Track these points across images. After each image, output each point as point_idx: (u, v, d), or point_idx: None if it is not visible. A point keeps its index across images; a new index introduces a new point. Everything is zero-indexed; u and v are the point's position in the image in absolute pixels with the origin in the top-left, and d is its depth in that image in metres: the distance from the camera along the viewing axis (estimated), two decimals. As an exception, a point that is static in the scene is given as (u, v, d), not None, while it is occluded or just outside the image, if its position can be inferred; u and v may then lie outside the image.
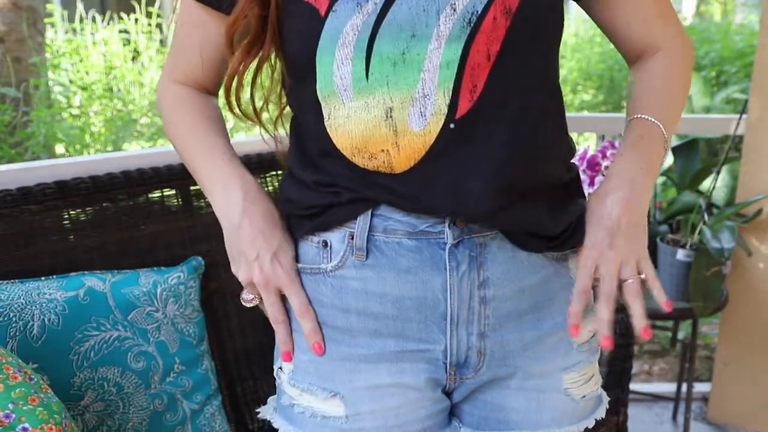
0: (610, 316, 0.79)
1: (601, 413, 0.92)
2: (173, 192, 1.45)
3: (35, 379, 0.98)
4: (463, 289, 0.80)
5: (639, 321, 0.78)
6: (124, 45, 4.75)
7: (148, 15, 5.00)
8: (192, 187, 1.47)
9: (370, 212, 0.78)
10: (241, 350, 1.52)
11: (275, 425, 0.90)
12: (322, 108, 0.77)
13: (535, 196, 0.79)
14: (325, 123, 0.77)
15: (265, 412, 0.92)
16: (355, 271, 0.80)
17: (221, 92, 0.87)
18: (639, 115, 0.84)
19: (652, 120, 0.84)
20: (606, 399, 0.94)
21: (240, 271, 0.84)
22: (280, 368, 0.92)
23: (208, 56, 0.86)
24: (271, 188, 1.58)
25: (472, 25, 0.71)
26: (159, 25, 5.17)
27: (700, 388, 2.44)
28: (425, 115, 0.73)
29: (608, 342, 0.79)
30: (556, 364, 0.86)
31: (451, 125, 0.73)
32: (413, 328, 0.81)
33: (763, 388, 2.20)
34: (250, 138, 1.68)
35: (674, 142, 2.20)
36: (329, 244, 0.81)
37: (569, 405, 0.87)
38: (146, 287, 1.29)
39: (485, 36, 0.71)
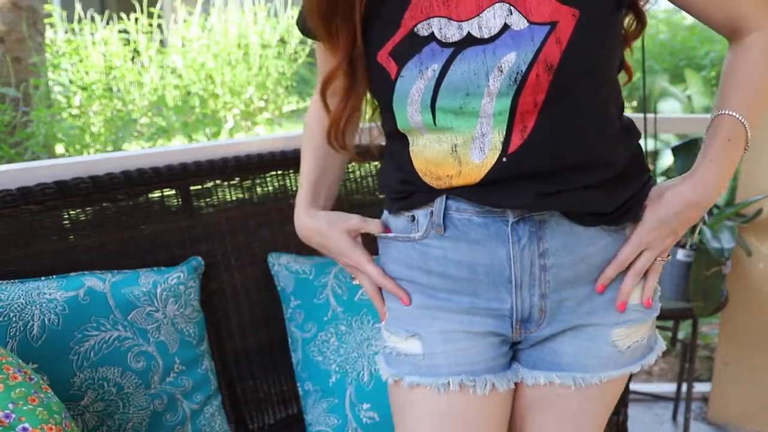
0: (631, 288, 0.96)
1: (648, 360, 1.03)
2: (173, 192, 1.45)
3: (35, 379, 0.98)
4: (525, 259, 0.93)
5: (648, 292, 0.97)
6: (124, 45, 4.75)
7: (149, 15, 5.00)
8: (192, 187, 1.48)
9: (444, 196, 0.93)
10: (241, 350, 1.52)
11: (379, 366, 1.06)
12: (408, 137, 0.95)
13: (585, 189, 0.90)
14: (410, 148, 0.95)
15: (377, 359, 1.08)
16: (436, 241, 0.95)
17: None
18: (728, 112, 0.90)
19: (740, 120, 0.90)
20: (660, 348, 1.04)
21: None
22: (383, 323, 1.07)
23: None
24: (270, 188, 1.58)
25: (517, 82, 0.83)
26: (159, 25, 5.16)
27: (700, 388, 2.44)
28: (484, 150, 0.88)
29: (622, 307, 0.96)
30: (608, 319, 0.97)
31: (504, 159, 0.87)
32: (484, 289, 0.95)
33: (763, 388, 2.20)
34: (250, 138, 1.68)
35: (674, 142, 2.20)
36: (416, 219, 0.97)
37: (615, 354, 0.99)
38: (146, 287, 1.28)
39: (530, 89, 0.84)
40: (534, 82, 0.83)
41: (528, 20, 0.82)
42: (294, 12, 5.63)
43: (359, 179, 1.69)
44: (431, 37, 0.85)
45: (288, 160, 1.60)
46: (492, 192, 0.90)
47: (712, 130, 0.92)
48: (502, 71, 0.83)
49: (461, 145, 0.88)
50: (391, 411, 1.06)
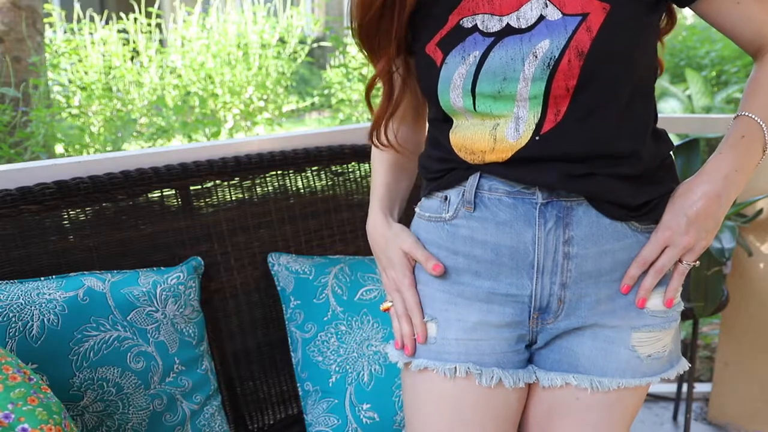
0: (651, 286, 0.97)
1: (668, 375, 1.03)
2: (173, 192, 1.45)
3: (35, 380, 0.98)
4: (549, 243, 0.95)
5: (671, 293, 0.98)
6: (124, 45, 4.75)
7: (148, 15, 5.00)
8: (191, 187, 1.47)
9: (479, 174, 0.97)
10: (240, 350, 1.52)
11: (388, 352, 1.09)
12: (453, 120, 1.00)
13: (612, 177, 0.93)
14: (451, 129, 0.99)
15: (385, 345, 1.13)
16: (465, 221, 0.99)
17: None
18: (744, 113, 0.94)
19: (757, 120, 0.93)
20: (681, 367, 1.04)
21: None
22: (385, 303, 1.11)
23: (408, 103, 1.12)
24: (270, 188, 1.58)
25: (551, 67, 0.89)
26: (159, 25, 5.16)
27: (700, 388, 2.44)
28: (519, 131, 0.92)
29: (642, 304, 0.97)
30: (627, 321, 0.98)
31: (536, 137, 0.92)
32: (506, 272, 0.98)
33: (764, 388, 2.20)
34: (250, 138, 1.67)
35: (674, 142, 2.19)
36: (448, 199, 1.01)
37: (634, 360, 0.99)
38: (146, 287, 1.28)
39: (562, 75, 0.88)
40: (566, 68, 0.88)
41: (562, 12, 0.89)
42: (294, 12, 5.63)
43: (359, 179, 1.69)
44: (474, 28, 0.93)
45: (288, 160, 1.59)
46: (521, 168, 0.93)
47: (729, 129, 0.95)
48: (536, 57, 0.89)
49: (501, 125, 0.93)
50: (402, 394, 1.10)
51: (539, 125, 0.92)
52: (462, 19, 0.94)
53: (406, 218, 1.14)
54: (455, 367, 1.00)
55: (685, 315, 1.91)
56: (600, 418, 1.01)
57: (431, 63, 0.96)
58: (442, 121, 1.02)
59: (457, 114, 0.98)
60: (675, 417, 2.34)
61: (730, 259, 1.83)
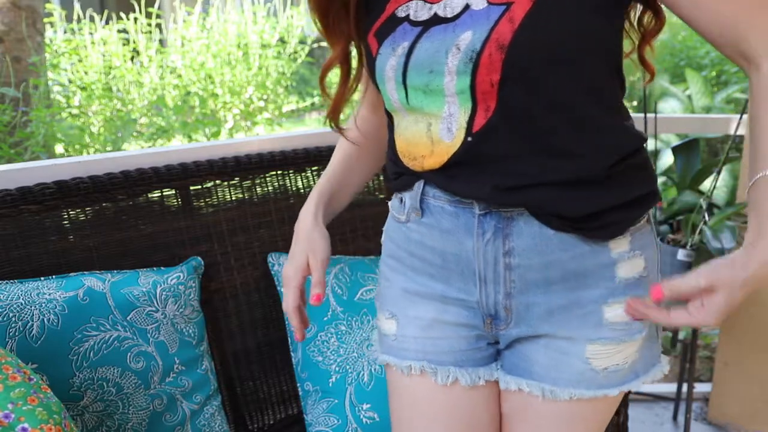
0: (654, 320, 0.86)
1: (631, 386, 0.97)
2: (173, 192, 1.45)
3: (35, 380, 0.98)
4: (489, 254, 0.92)
5: (637, 313, 0.86)
6: (124, 45, 4.74)
7: (148, 15, 5.00)
8: (191, 187, 1.47)
9: (423, 181, 0.96)
10: (240, 350, 1.52)
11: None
12: (394, 118, 0.98)
13: (548, 186, 0.87)
14: (395, 130, 0.97)
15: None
16: (416, 225, 0.98)
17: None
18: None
19: None
20: (651, 377, 0.98)
21: None
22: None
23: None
24: (270, 188, 1.58)
25: (473, 61, 0.83)
26: (159, 25, 5.16)
27: (700, 388, 2.44)
28: (452, 130, 0.88)
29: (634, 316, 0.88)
30: (582, 333, 0.93)
31: (469, 138, 0.87)
32: (455, 278, 0.96)
33: (764, 388, 2.20)
34: (250, 138, 1.67)
35: (674, 142, 2.20)
36: (404, 201, 1.00)
37: (588, 373, 0.94)
38: (146, 287, 1.28)
39: (485, 69, 0.83)
40: (488, 61, 0.83)
41: (487, 0, 0.84)
42: (294, 12, 5.63)
43: (359, 179, 1.69)
44: (406, 18, 0.90)
45: (288, 160, 1.59)
46: (456, 177, 0.90)
47: (758, 196, 0.82)
48: (459, 49, 0.84)
49: (434, 124, 0.90)
50: None
51: (470, 123, 0.87)
52: (398, 7, 0.92)
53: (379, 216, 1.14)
54: (411, 365, 1.01)
55: (685, 315, 1.91)
56: (556, 428, 0.98)
57: (370, 53, 0.94)
58: (390, 119, 1.00)
59: (396, 111, 0.95)
60: (675, 417, 2.34)
61: (730, 259, 1.82)
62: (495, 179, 0.87)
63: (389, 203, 1.06)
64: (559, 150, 0.86)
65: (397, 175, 1.00)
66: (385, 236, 1.06)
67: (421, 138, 0.92)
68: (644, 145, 0.94)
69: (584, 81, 0.86)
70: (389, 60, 0.90)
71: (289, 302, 1.05)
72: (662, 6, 0.92)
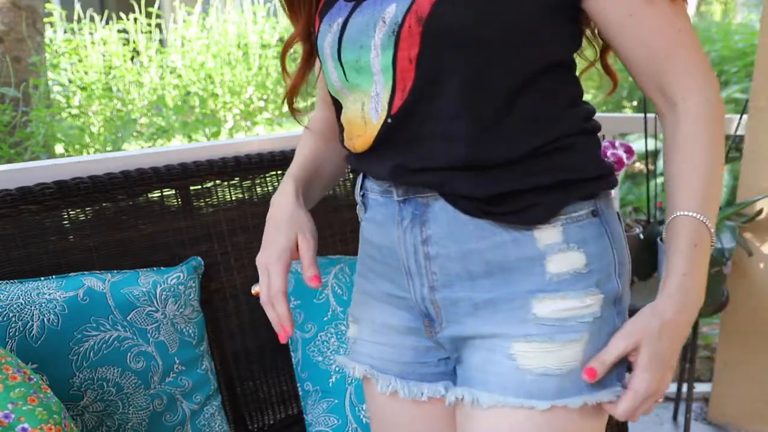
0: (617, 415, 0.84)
1: (573, 402, 0.84)
2: (173, 192, 1.45)
3: (35, 380, 0.98)
4: (408, 243, 0.90)
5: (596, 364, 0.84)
6: (124, 45, 4.75)
7: (148, 15, 5.00)
8: (191, 187, 1.47)
9: (362, 175, 0.96)
10: (240, 350, 1.52)
11: None
12: (340, 101, 0.93)
13: (454, 170, 0.83)
14: (342, 113, 0.93)
15: None
16: (365, 222, 0.98)
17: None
18: (685, 213, 0.82)
19: (702, 219, 0.81)
20: (602, 395, 0.85)
21: None
22: None
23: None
24: (270, 188, 1.58)
25: (395, 34, 0.81)
26: (159, 25, 5.16)
27: (700, 388, 2.44)
28: (378, 111, 0.86)
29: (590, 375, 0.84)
30: (508, 330, 0.87)
31: (389, 120, 0.85)
32: (393, 273, 0.94)
33: (764, 388, 2.20)
34: (250, 138, 1.67)
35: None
36: (358, 200, 0.99)
37: (516, 375, 0.85)
38: (146, 287, 1.28)
39: (405, 43, 0.81)
40: (407, 34, 0.80)
41: None
42: (294, 12, 5.61)
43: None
44: None
45: (288, 160, 1.58)
46: (376, 160, 0.88)
47: (675, 236, 0.82)
48: (385, 22, 0.82)
49: (366, 103, 0.87)
50: None
51: (390, 104, 0.84)
52: None
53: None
54: (355, 368, 1.01)
55: (685, 315, 1.91)
56: None
57: (314, 32, 0.93)
58: (338, 106, 0.96)
59: (338, 92, 0.92)
60: (675, 417, 2.34)
61: (730, 259, 1.83)
62: (399, 159, 0.85)
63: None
64: (470, 134, 0.82)
65: (351, 172, 0.99)
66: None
67: (357, 118, 0.89)
68: (588, 133, 0.88)
69: (504, 65, 0.81)
70: (327, 37, 0.89)
71: (275, 288, 0.91)
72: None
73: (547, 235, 0.85)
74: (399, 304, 0.95)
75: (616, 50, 0.85)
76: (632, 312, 0.87)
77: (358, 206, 1.00)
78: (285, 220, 0.95)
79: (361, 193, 0.96)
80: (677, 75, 0.82)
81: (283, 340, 0.93)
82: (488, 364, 0.88)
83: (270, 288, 0.92)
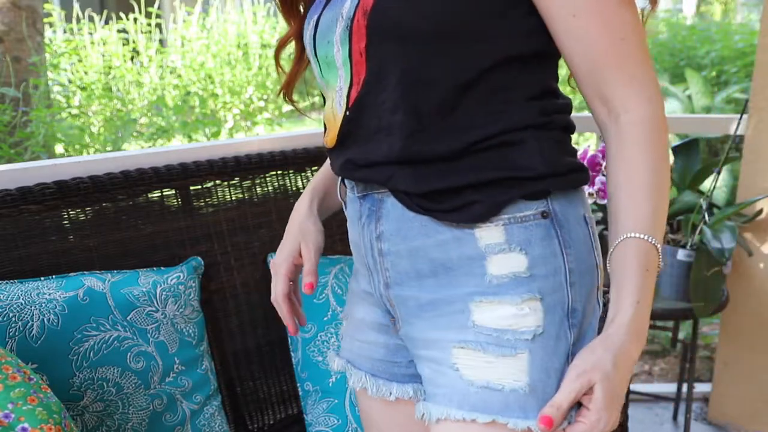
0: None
1: (513, 423, 0.79)
2: (173, 192, 1.45)
3: (35, 379, 0.98)
4: (366, 238, 0.91)
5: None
6: (123, 45, 4.75)
7: (148, 15, 5.00)
8: (191, 187, 1.47)
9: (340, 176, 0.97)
10: (240, 350, 1.52)
11: None
12: (325, 99, 0.94)
13: (397, 165, 0.84)
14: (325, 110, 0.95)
15: None
16: (347, 221, 0.98)
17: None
18: (634, 234, 0.77)
19: (650, 241, 0.77)
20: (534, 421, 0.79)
21: None
22: None
23: None
24: (270, 188, 1.58)
25: (349, 29, 0.82)
26: (158, 25, 5.16)
27: (700, 388, 2.44)
28: (341, 105, 0.87)
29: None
30: (448, 334, 0.84)
31: (348, 113, 0.87)
32: (364, 271, 0.96)
33: (764, 388, 2.20)
34: (250, 138, 1.67)
35: (674, 142, 2.20)
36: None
37: (460, 384, 0.82)
38: (146, 287, 1.28)
39: (356, 36, 0.82)
40: (357, 27, 0.81)
41: None
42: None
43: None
44: None
45: (288, 160, 1.60)
46: (335, 154, 0.91)
47: (624, 260, 0.78)
48: (342, 17, 0.83)
49: (334, 99, 0.89)
50: None
51: (348, 97, 0.86)
52: None
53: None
54: (336, 361, 1.05)
55: (685, 315, 1.91)
56: None
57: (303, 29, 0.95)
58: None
59: (322, 90, 0.94)
60: (675, 417, 2.34)
61: (730, 259, 1.83)
62: (351, 154, 0.87)
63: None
64: (408, 128, 0.81)
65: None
66: None
67: (330, 114, 0.91)
68: (544, 128, 0.82)
69: (447, 59, 0.79)
70: (306, 34, 0.91)
71: (277, 290, 1.02)
72: None
73: (489, 234, 0.82)
74: (371, 301, 0.98)
75: (561, 50, 0.81)
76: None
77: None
78: (294, 228, 1.03)
79: (340, 192, 1.00)
80: (620, 86, 0.78)
81: (292, 333, 1.04)
82: (437, 375, 0.85)
83: (274, 289, 1.03)
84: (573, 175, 0.84)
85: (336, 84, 0.87)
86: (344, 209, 1.00)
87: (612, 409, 0.75)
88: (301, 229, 1.03)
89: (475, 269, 0.82)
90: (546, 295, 0.81)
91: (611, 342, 0.76)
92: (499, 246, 0.81)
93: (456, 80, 0.79)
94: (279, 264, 1.03)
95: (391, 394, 0.98)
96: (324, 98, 0.95)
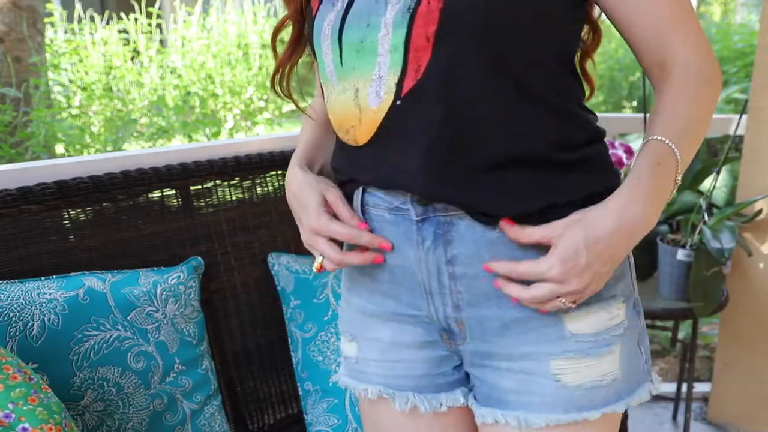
0: (516, 290, 0.80)
1: (614, 409, 0.87)
2: (173, 192, 1.45)
3: (35, 379, 0.98)
4: (431, 264, 0.86)
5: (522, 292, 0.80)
6: (124, 45, 4.75)
7: (148, 15, 5.00)
8: (192, 187, 1.47)
9: (361, 189, 0.90)
10: (241, 350, 1.52)
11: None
12: (324, 92, 0.91)
13: (479, 175, 0.80)
14: (327, 106, 0.91)
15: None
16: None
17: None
18: (660, 138, 0.79)
19: (669, 144, 0.78)
20: (638, 398, 0.89)
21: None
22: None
23: None
24: (270, 188, 1.58)
25: (411, 11, 0.78)
26: (159, 25, 5.16)
27: (700, 388, 2.44)
28: (380, 95, 0.82)
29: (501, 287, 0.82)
30: (543, 348, 0.86)
31: (398, 102, 0.81)
32: (404, 293, 0.91)
33: (763, 388, 2.20)
34: (250, 138, 1.67)
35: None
36: None
37: (561, 393, 0.86)
38: (146, 287, 1.28)
39: (422, 20, 0.77)
40: (425, 10, 0.77)
41: None
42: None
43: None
44: None
45: (288, 160, 1.58)
46: (385, 158, 0.83)
47: (640, 156, 0.80)
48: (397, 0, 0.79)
49: (362, 89, 0.83)
50: None
51: (400, 85, 0.80)
52: None
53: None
54: (368, 389, 0.97)
55: (684, 315, 1.91)
56: None
57: (311, 15, 0.88)
58: (323, 96, 0.93)
59: (327, 80, 0.88)
60: (675, 417, 2.34)
61: (729, 259, 1.83)
62: (424, 161, 0.80)
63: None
64: (495, 120, 0.79)
65: (338, 182, 0.94)
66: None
67: (349, 107, 0.85)
68: (603, 142, 0.87)
69: (526, 48, 0.79)
70: (328, 16, 0.84)
71: (339, 230, 0.88)
72: (599, 24, 0.91)
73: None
74: (409, 321, 0.92)
75: (618, 24, 0.83)
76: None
77: None
78: (304, 189, 0.93)
79: (361, 210, 0.90)
80: (679, 44, 0.81)
81: (388, 247, 0.88)
82: (528, 385, 0.87)
83: (336, 233, 0.89)
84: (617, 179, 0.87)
85: (371, 71, 0.81)
86: (365, 223, 0.90)
87: (559, 268, 0.76)
88: (312, 185, 0.93)
89: None
90: (623, 293, 0.87)
91: (588, 213, 0.78)
92: None
93: (535, 72, 0.80)
94: (319, 225, 0.89)
95: (441, 404, 0.95)
96: (324, 89, 0.90)
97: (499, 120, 0.79)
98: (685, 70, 0.81)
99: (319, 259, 0.92)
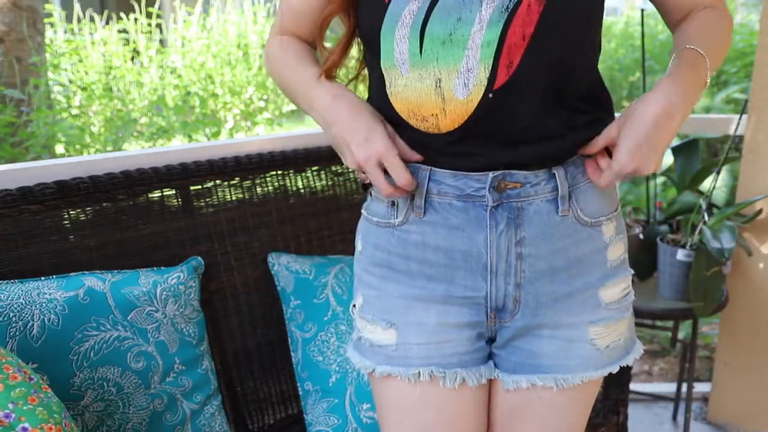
0: (600, 149, 0.93)
1: (626, 361, 1.03)
2: (173, 192, 1.45)
3: (35, 379, 0.98)
4: (501, 245, 0.93)
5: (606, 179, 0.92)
6: (124, 45, 4.75)
7: (148, 15, 5.00)
8: (192, 187, 1.47)
9: (427, 176, 0.93)
10: (241, 350, 1.52)
11: (350, 357, 1.06)
12: (385, 78, 0.92)
13: (553, 138, 0.92)
14: (387, 90, 0.92)
15: (347, 348, 1.09)
16: (416, 226, 0.95)
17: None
18: (691, 46, 0.91)
19: (702, 53, 0.91)
20: (637, 352, 1.05)
21: (346, 160, 0.94)
22: (353, 305, 1.06)
23: (310, 15, 1.02)
24: (270, 188, 1.58)
25: (509, 11, 0.83)
26: (159, 25, 5.16)
27: (700, 388, 2.44)
28: (468, 86, 0.86)
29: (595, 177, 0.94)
30: (583, 317, 0.98)
31: (490, 95, 0.86)
32: (461, 275, 0.95)
33: (763, 388, 2.20)
34: (250, 138, 1.67)
35: (674, 142, 2.20)
36: (396, 203, 0.96)
37: (594, 353, 0.99)
38: (146, 287, 1.28)
39: (520, 20, 0.83)
40: (525, 12, 0.83)
41: None
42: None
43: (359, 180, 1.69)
44: None
45: (288, 160, 1.60)
46: (470, 149, 0.90)
47: (674, 59, 0.92)
48: None
49: (445, 79, 0.87)
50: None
51: (491, 80, 0.85)
52: None
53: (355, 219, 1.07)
54: (419, 372, 0.98)
55: (684, 315, 1.91)
56: (563, 414, 1.02)
57: (373, 1, 0.89)
58: (378, 82, 0.93)
59: (392, 66, 0.90)
60: (674, 417, 2.34)
61: (729, 259, 1.83)
62: (484, 145, 0.90)
63: (365, 207, 1.03)
64: (579, 109, 0.91)
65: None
66: (364, 244, 1.01)
67: (429, 96, 0.88)
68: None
69: (596, 40, 0.93)
70: (409, 4, 0.86)
71: (400, 174, 0.89)
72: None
73: (608, 228, 0.98)
74: (458, 303, 0.97)
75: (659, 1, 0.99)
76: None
77: (395, 211, 0.96)
78: (369, 109, 0.92)
79: (423, 197, 0.93)
80: (703, 4, 0.98)
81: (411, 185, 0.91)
82: (569, 350, 0.98)
83: (399, 177, 0.90)
84: None
85: (458, 65, 0.85)
86: (410, 215, 0.95)
87: (642, 153, 0.87)
88: (372, 110, 0.93)
89: (600, 258, 0.97)
90: (630, 269, 1.04)
91: (635, 107, 0.89)
92: (612, 237, 0.98)
93: (595, 64, 0.94)
94: (387, 152, 0.89)
95: (482, 377, 1.01)
96: (385, 74, 0.90)
97: (581, 109, 0.92)
98: (707, 9, 0.97)
99: (367, 179, 0.94)
